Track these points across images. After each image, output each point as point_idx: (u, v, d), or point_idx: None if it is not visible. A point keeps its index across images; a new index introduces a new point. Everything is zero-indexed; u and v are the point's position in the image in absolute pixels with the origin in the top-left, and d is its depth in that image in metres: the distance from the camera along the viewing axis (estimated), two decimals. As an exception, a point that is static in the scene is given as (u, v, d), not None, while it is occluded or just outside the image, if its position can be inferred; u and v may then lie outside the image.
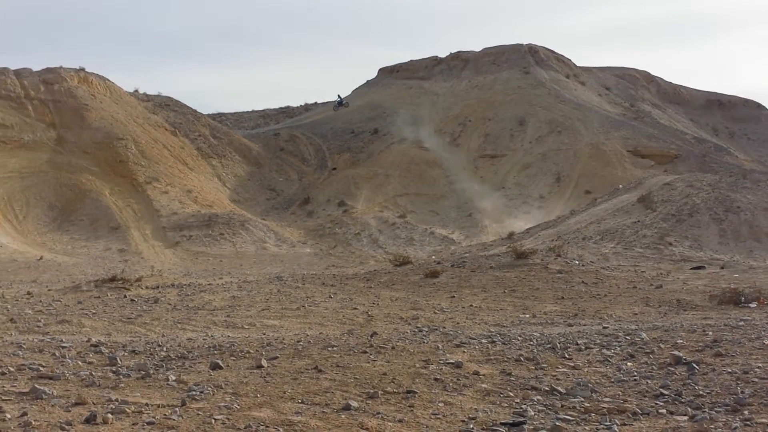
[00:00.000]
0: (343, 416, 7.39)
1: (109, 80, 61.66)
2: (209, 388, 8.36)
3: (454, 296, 18.57)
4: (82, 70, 59.83)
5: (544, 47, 76.67)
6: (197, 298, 18.17)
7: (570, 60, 77.49)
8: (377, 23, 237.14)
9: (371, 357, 10.20)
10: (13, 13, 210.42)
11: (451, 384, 8.68)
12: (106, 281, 20.98)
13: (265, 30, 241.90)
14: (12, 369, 9.32)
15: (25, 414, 7.20)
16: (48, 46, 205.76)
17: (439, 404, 7.87)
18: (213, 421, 7.14)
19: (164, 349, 10.99)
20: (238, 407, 7.63)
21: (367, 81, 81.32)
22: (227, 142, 63.72)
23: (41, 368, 9.40)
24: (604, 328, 12.78)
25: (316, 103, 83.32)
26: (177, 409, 7.51)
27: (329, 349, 10.78)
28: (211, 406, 7.64)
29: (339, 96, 75.35)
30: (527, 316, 15.43)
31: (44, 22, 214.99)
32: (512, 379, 8.96)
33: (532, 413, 7.50)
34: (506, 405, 7.89)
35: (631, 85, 77.62)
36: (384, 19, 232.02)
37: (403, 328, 13.42)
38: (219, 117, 78.20)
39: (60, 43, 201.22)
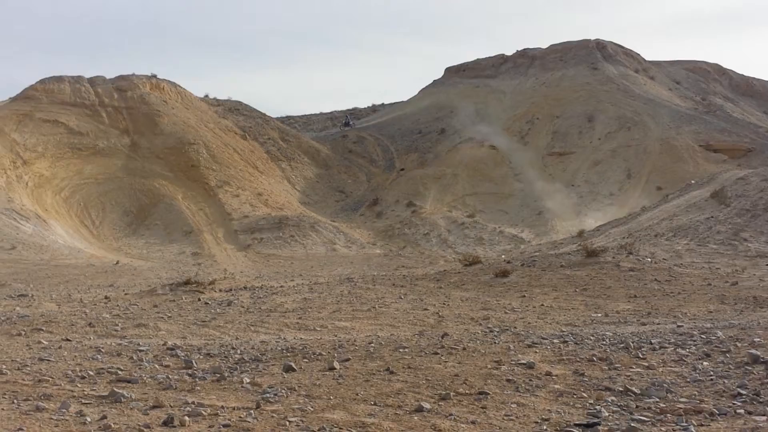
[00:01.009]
0: (415, 418, 7.42)
1: (180, 86, 62.86)
2: (283, 391, 8.47)
3: (524, 296, 18.45)
4: (154, 76, 61.10)
5: (611, 42, 75.90)
6: (269, 300, 18.35)
7: (639, 54, 76.55)
8: (443, 23, 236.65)
9: (442, 358, 10.21)
10: (84, 20, 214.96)
11: (523, 385, 8.65)
12: (180, 285, 21.35)
13: (332, 32, 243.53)
14: (91, 373, 9.55)
15: (104, 417, 7.39)
16: (120, 52, 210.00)
17: (512, 405, 7.85)
18: (287, 423, 7.23)
19: (238, 351, 11.15)
20: (312, 409, 7.72)
21: (434, 81, 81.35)
22: (296, 144, 64.34)
23: (119, 372, 9.63)
24: (679, 326, 12.58)
25: (383, 104, 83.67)
26: (252, 411, 7.63)
27: (401, 350, 10.82)
28: (285, 409, 7.74)
29: (347, 116, 78.17)
30: (599, 315, 15.27)
31: (116, 29, 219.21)
32: (585, 379, 8.90)
33: (607, 414, 7.44)
34: (580, 406, 7.83)
35: (702, 78, 76.20)
36: (450, 18, 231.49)
37: (474, 329, 13.39)
38: (287, 120, 79.04)
39: (131, 50, 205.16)
